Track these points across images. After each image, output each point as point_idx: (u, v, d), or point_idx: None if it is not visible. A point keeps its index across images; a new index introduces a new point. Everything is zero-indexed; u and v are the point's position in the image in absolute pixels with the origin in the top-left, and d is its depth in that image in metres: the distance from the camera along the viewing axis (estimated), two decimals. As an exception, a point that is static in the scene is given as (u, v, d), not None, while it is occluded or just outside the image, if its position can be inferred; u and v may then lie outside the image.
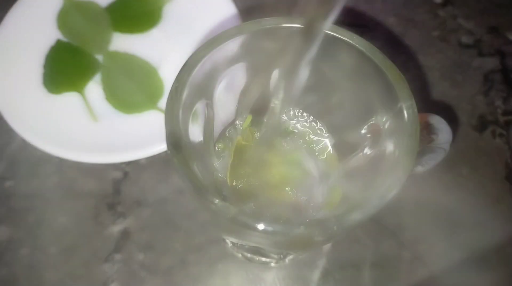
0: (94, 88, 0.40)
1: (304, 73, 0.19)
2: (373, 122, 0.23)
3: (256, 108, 0.26)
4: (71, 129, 0.37)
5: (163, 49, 0.42)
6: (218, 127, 0.27)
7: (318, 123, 0.28)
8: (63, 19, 0.43)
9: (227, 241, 0.34)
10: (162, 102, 0.39)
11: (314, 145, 0.27)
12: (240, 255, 0.34)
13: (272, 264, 0.34)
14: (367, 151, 0.23)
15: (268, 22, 0.23)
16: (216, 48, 0.22)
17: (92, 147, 0.36)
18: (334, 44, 0.22)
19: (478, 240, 0.35)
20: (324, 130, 0.28)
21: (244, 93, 0.26)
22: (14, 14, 0.42)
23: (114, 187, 0.36)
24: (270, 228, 0.18)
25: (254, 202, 0.24)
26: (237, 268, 0.34)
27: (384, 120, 0.22)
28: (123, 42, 0.43)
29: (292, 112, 0.28)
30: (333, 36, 0.22)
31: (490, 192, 0.37)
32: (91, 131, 0.38)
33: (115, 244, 0.34)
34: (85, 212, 0.35)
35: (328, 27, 0.22)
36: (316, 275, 0.33)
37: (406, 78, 0.21)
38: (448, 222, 0.36)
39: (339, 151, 0.27)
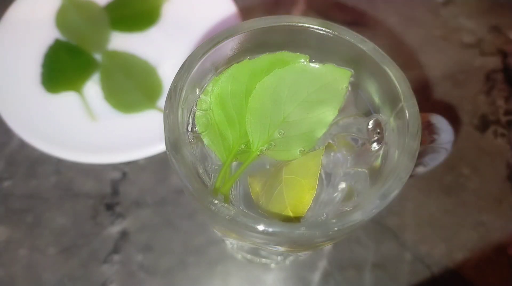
0: (93, 87, 0.40)
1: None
2: (374, 118, 0.23)
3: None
4: (69, 129, 0.37)
5: (162, 48, 0.42)
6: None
7: None
8: (62, 18, 0.43)
9: (227, 242, 0.33)
10: (161, 102, 0.39)
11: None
12: (240, 256, 0.34)
13: (272, 266, 0.34)
14: (375, 146, 0.22)
15: (268, 21, 0.22)
16: (216, 46, 0.22)
17: (91, 147, 0.36)
18: (336, 43, 0.22)
19: (480, 241, 0.35)
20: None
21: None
22: (12, 13, 0.42)
23: (113, 188, 0.36)
24: (270, 229, 0.17)
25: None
26: (237, 270, 0.34)
27: (385, 119, 0.22)
28: (122, 41, 0.42)
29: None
30: (335, 35, 0.22)
31: (491, 192, 0.37)
32: (89, 131, 0.37)
33: (113, 245, 0.34)
34: (84, 212, 0.35)
35: (331, 27, 0.22)
36: (316, 276, 0.33)
37: (407, 78, 0.21)
38: (449, 223, 0.35)
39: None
